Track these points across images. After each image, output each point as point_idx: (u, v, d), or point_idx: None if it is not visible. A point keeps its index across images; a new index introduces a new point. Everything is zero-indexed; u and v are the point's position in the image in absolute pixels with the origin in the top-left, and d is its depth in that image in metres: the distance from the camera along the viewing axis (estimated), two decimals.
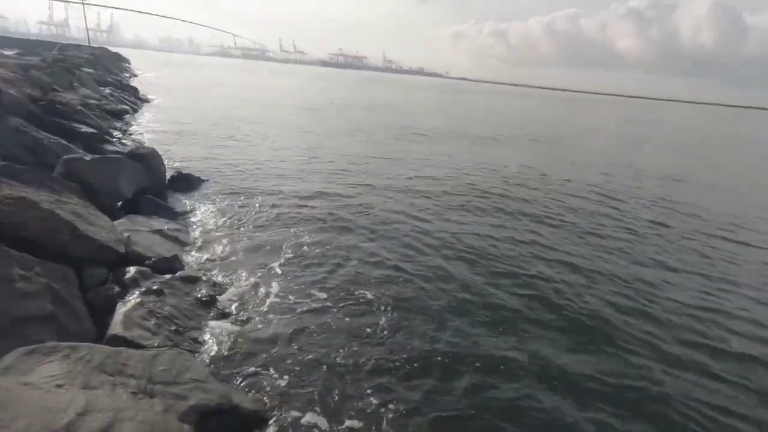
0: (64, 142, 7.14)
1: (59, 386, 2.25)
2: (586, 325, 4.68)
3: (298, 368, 3.56)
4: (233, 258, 5.40)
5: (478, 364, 3.83)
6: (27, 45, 34.22)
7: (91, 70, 20.53)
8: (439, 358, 3.87)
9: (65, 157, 6.09)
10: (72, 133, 8.09)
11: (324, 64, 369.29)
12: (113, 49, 57.64)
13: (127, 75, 33.63)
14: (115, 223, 5.43)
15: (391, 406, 3.28)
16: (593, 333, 4.54)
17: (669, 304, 5.32)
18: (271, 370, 3.49)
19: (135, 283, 4.19)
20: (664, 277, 6.08)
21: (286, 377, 3.42)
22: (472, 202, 8.79)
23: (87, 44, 43.21)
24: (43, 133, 6.97)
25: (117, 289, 4.04)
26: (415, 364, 3.76)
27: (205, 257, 5.32)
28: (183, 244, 5.66)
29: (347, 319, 4.34)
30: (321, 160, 11.65)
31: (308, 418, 3.09)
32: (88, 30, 41.86)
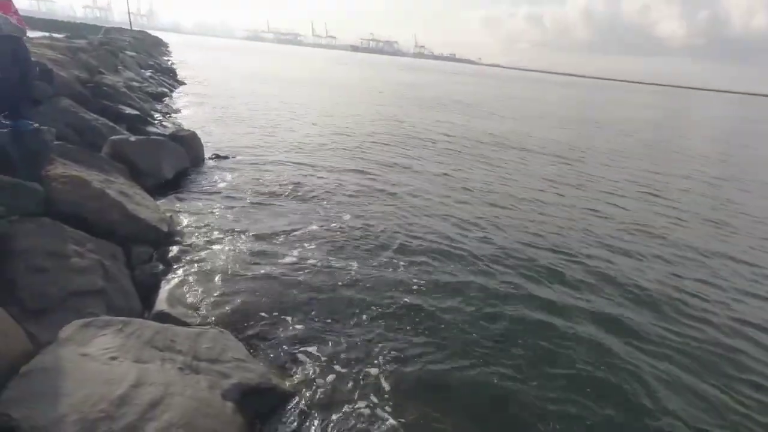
0: (110, 123, 7.42)
1: (113, 359, 2.35)
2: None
3: (334, 351, 3.59)
4: (270, 237, 5.48)
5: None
6: (73, 28, 35.63)
7: (133, 54, 21.16)
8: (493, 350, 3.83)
9: (112, 138, 6.33)
10: (117, 114, 8.39)
11: (354, 49, 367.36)
12: (152, 33, 59.27)
13: (165, 58, 34.51)
14: (158, 203, 5.63)
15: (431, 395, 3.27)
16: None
17: None
18: (309, 350, 3.54)
19: (178, 261, 4.35)
20: None
21: (321, 359, 3.47)
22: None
23: (129, 28, 44.53)
24: (91, 114, 7.27)
25: (161, 267, 4.20)
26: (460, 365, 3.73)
27: (243, 237, 5.42)
28: (222, 225, 5.80)
29: (386, 310, 4.34)
30: (358, 145, 11.64)
31: (339, 400, 3.12)
32: (129, 14, 43.13)
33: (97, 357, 2.30)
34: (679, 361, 4.06)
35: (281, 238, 5.48)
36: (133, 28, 47.30)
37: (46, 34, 19.22)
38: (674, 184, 11.21)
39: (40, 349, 2.37)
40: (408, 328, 4.03)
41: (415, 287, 4.73)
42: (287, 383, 3.16)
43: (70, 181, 4.10)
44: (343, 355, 3.55)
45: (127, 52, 20.24)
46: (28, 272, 3.03)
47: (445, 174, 9.66)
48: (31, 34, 4.63)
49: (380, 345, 3.73)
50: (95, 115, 7.26)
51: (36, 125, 4.37)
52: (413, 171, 9.62)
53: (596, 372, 3.74)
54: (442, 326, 4.11)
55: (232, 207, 6.35)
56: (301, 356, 3.49)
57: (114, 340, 2.47)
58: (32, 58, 4.70)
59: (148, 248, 4.42)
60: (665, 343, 4.28)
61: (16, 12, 4.19)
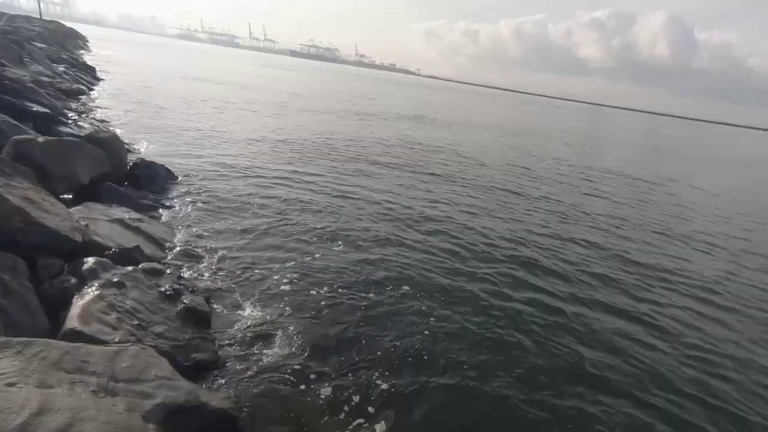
0: (13, 121, 6.63)
1: (10, 385, 2.09)
2: None
3: (266, 364, 3.49)
4: (198, 248, 5.22)
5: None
6: None
7: (43, 45, 19.17)
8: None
9: (15, 137, 5.66)
10: (22, 112, 7.53)
11: (293, 54, 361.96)
12: (68, 24, 54.10)
13: (82, 53, 31.65)
14: (72, 210, 5.12)
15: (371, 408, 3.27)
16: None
17: None
18: (240, 367, 3.40)
19: (93, 274, 3.95)
20: None
21: (255, 374, 3.34)
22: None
23: (38, 17, 40.28)
24: None
25: (73, 280, 3.80)
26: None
27: (168, 248, 5.10)
28: (145, 234, 5.39)
29: (318, 313, 4.30)
30: (287, 145, 11.44)
31: (278, 416, 3.03)
32: (39, 1, 38.99)
33: None
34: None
35: (206, 247, 5.25)
36: (44, 18, 42.88)
37: None
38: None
39: None
40: (345, 337, 4.00)
41: (350, 297, 4.73)
42: (222, 401, 3.00)
43: None
44: (282, 367, 3.45)
45: (36, 43, 18.30)
46: None
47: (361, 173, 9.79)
48: None
49: (319, 358, 3.67)
50: None
51: None
52: (328, 180, 9.63)
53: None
54: (388, 331, 4.14)
55: (155, 215, 5.97)
56: (236, 372, 3.33)
57: (12, 364, 2.20)
58: None
59: (58, 260, 3.98)
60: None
61: None
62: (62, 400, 2.13)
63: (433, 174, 11.13)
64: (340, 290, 4.79)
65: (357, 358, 3.76)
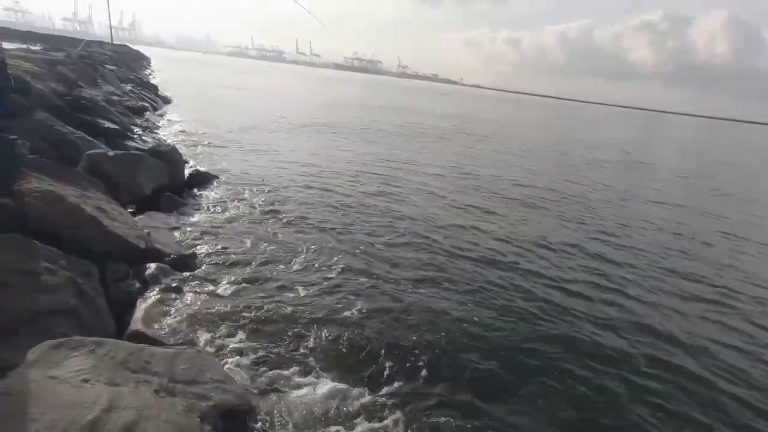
0: (88, 137, 7.25)
1: (85, 381, 2.26)
2: None
3: (315, 370, 3.54)
4: (251, 257, 5.40)
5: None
6: (51, 40, 34.99)
7: (113, 67, 20.90)
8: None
9: (89, 152, 6.19)
10: (95, 128, 8.21)
11: (337, 67, 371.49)
12: (134, 47, 58.77)
13: (147, 72, 34.21)
14: (136, 219, 5.50)
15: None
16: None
17: None
18: (289, 372, 3.47)
19: (155, 279, 4.23)
20: None
21: (304, 381, 3.40)
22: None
23: (110, 41, 44.02)
24: (68, 127, 7.10)
25: (137, 285, 4.08)
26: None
27: (222, 255, 5.33)
28: (201, 242, 5.69)
29: (375, 324, 4.31)
30: (343, 165, 11.65)
31: (321, 423, 3.06)
32: (111, 27, 42.70)
33: (67, 380, 2.21)
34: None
35: (262, 259, 5.41)
36: (114, 42, 46.81)
37: (23, 45, 18.84)
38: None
39: (5, 371, 2.26)
40: (400, 352, 3.95)
41: (408, 301, 4.72)
42: (268, 405, 3.09)
43: (44, 196, 3.97)
44: (326, 379, 3.48)
45: (107, 66, 19.99)
46: None
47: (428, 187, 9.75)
48: (6, 45, 4.53)
49: (365, 371, 3.66)
50: (73, 129, 7.09)
51: (12, 137, 4.25)
52: (406, 198, 9.63)
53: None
54: (427, 340, 4.09)
55: (212, 225, 6.26)
56: (283, 379, 3.40)
57: (86, 362, 2.37)
58: (7, 71, 4.59)
59: (124, 265, 4.28)
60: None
61: None
62: (128, 398, 2.27)
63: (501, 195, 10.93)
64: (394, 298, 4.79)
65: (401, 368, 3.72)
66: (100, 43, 39.54)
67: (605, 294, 5.67)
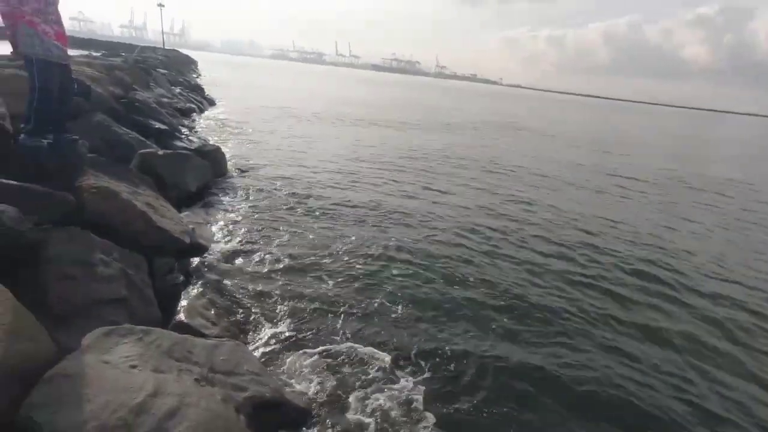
0: (140, 137, 7.69)
1: (133, 367, 2.40)
2: None
3: (351, 369, 3.58)
4: (291, 251, 5.55)
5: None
6: (110, 47, 37.45)
7: (164, 71, 22.03)
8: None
9: (141, 151, 6.56)
10: (147, 129, 8.70)
11: (375, 68, 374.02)
12: (183, 51, 61.72)
13: (194, 75, 35.82)
14: (182, 215, 5.78)
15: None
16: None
17: None
18: (323, 368, 3.53)
19: (198, 273, 4.43)
20: None
21: (338, 378, 3.45)
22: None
23: (161, 46, 46.47)
24: (123, 128, 7.56)
25: (181, 278, 4.28)
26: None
27: (262, 250, 5.49)
28: (241, 237, 5.90)
29: (413, 320, 4.34)
30: (384, 161, 11.74)
31: (354, 420, 3.10)
32: (163, 33, 45.14)
33: (117, 365, 2.35)
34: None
35: (302, 254, 5.53)
36: (166, 47, 49.37)
37: (85, 52, 20.25)
38: None
39: (64, 354, 2.44)
40: (442, 353, 3.92)
41: (455, 305, 4.71)
42: (303, 401, 3.16)
43: (100, 192, 4.26)
44: (361, 377, 3.51)
45: (159, 70, 21.09)
46: (56, 279, 3.14)
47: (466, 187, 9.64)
48: (71, 52, 4.91)
49: (404, 368, 3.68)
50: (127, 129, 7.54)
51: (74, 137, 4.60)
52: (450, 193, 9.57)
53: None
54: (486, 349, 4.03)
55: (253, 221, 6.46)
56: (317, 375, 3.47)
57: (134, 349, 2.52)
58: (72, 76, 4.95)
59: (170, 259, 4.51)
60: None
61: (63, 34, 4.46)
62: (172, 385, 2.39)
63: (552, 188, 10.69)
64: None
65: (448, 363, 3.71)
66: (153, 49, 41.82)
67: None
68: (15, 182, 3.57)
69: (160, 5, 44.81)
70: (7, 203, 3.21)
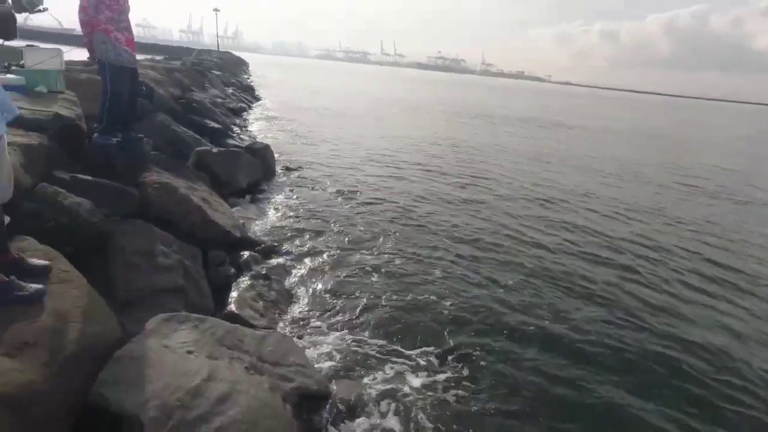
0: (196, 135, 8.14)
1: (190, 352, 2.55)
2: None
3: (397, 368, 3.60)
4: (336, 247, 5.67)
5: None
6: (170, 51, 39.76)
7: (219, 73, 23.14)
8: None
9: (197, 149, 6.94)
10: (202, 128, 9.19)
11: (420, 66, 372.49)
12: (236, 53, 64.46)
13: (246, 76, 37.32)
14: (233, 210, 6.06)
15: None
16: None
17: None
18: (367, 364, 3.58)
19: (247, 266, 4.63)
20: None
21: (383, 377, 3.49)
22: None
23: (216, 49, 48.77)
24: (181, 127, 8.03)
25: (232, 270, 4.49)
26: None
27: (308, 245, 5.65)
28: (288, 232, 6.08)
29: (463, 321, 4.33)
30: (433, 163, 11.70)
31: (401, 418, 3.12)
32: (218, 36, 47.51)
33: (176, 350, 2.51)
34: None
35: (348, 250, 5.63)
36: (220, 49, 51.76)
37: (148, 56, 21.65)
38: None
39: (128, 337, 2.64)
40: (504, 364, 3.82)
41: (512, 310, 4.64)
42: (347, 394, 3.22)
43: (161, 187, 4.55)
44: (407, 378, 3.52)
45: (214, 71, 22.17)
46: (123, 268, 3.40)
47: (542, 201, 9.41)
48: (137, 56, 5.28)
49: (452, 372, 3.67)
50: (184, 128, 8.01)
51: (140, 136, 4.95)
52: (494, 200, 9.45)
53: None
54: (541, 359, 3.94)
55: (300, 217, 6.64)
56: (363, 370, 3.52)
57: (191, 335, 2.68)
58: (139, 79, 5.33)
59: (222, 252, 4.74)
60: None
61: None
62: (224, 371, 2.52)
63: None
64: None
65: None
66: (209, 51, 44.00)
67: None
68: (90, 177, 3.90)
69: (216, 10, 47.09)
70: (83, 197, 3.52)
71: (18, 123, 3.56)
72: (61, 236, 3.08)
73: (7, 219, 2.44)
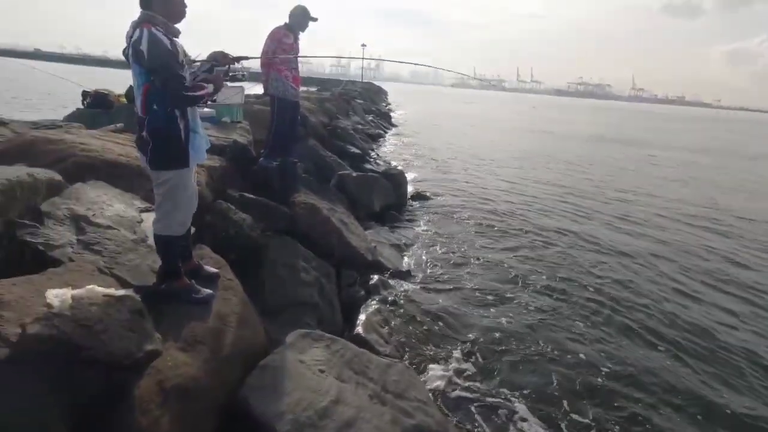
0: (339, 159, 8.86)
1: (321, 371, 2.66)
2: None
3: (522, 416, 3.27)
4: (465, 277, 5.53)
5: None
6: (322, 83, 44.86)
7: (361, 101, 25.17)
8: None
9: (339, 173, 7.52)
10: (344, 152, 9.98)
11: (558, 92, 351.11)
12: (377, 83, 69.49)
13: (384, 104, 39.88)
14: (366, 232, 6.34)
15: None
16: None
17: None
18: (495, 413, 3.31)
19: (376, 290, 4.74)
20: None
21: (509, 425, 3.19)
22: None
23: (360, 80, 53.45)
24: (327, 152, 8.84)
25: (362, 292, 4.64)
26: None
27: (437, 274, 5.59)
28: (417, 258, 6.11)
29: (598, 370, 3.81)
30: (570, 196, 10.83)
31: None
32: (362, 69, 52.28)
33: (310, 366, 2.64)
34: None
35: (478, 283, 5.42)
36: (363, 80, 56.47)
37: (304, 88, 24.73)
38: None
39: (271, 344, 2.88)
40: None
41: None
42: None
43: (308, 208, 5.00)
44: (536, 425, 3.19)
45: (357, 100, 24.19)
46: (272, 279, 3.77)
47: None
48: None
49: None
50: (329, 153, 8.80)
51: (294, 160, 5.58)
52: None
53: None
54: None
55: (431, 244, 6.63)
56: (486, 414, 3.28)
57: (323, 354, 2.80)
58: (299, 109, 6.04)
59: (354, 273, 4.96)
60: None
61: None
62: (350, 396, 2.56)
63: None
64: None
65: None
66: (353, 82, 48.31)
67: None
68: (253, 196, 4.48)
69: (363, 45, 51.81)
70: (247, 213, 4.04)
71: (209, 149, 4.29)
72: (227, 246, 3.57)
73: (192, 229, 2.90)
